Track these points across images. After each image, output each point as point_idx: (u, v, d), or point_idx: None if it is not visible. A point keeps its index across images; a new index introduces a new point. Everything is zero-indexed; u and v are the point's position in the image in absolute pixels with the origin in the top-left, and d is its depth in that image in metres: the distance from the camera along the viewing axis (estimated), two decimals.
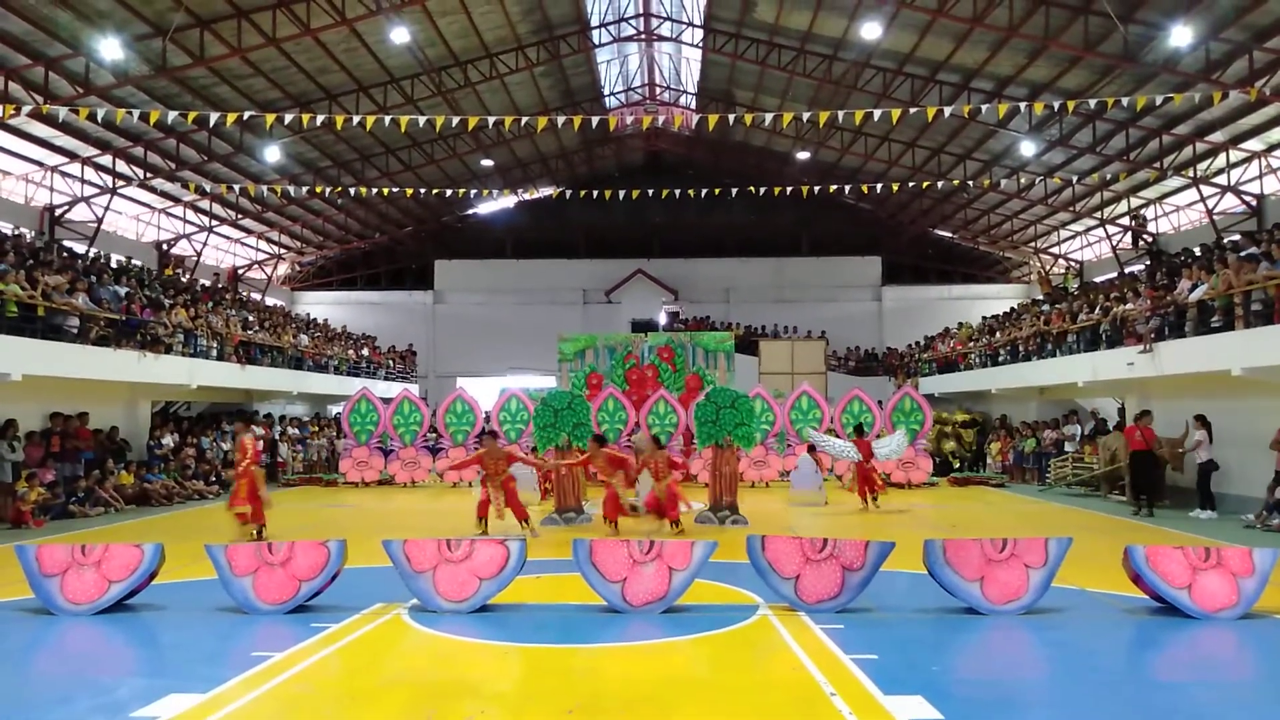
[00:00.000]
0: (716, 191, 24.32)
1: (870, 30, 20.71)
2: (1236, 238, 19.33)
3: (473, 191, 31.19)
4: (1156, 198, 25.50)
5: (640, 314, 34.46)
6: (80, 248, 21.96)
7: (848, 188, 29.58)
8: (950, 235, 34.94)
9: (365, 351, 30.98)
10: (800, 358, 29.33)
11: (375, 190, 27.60)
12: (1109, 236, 27.87)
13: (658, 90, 30.57)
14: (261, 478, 12.11)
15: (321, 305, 35.60)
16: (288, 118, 18.65)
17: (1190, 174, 22.17)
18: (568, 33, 24.56)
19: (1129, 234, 27.04)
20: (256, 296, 30.95)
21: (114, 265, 21.29)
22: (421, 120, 19.79)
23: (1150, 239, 26.01)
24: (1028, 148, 24.25)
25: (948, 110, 19.40)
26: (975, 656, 6.86)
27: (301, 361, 25.16)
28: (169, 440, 19.17)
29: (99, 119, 16.86)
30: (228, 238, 30.65)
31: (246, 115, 18.05)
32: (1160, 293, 17.03)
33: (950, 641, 7.07)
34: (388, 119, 19.49)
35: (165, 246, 27.19)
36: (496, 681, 6.12)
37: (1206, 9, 16.09)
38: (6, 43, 16.51)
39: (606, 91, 30.13)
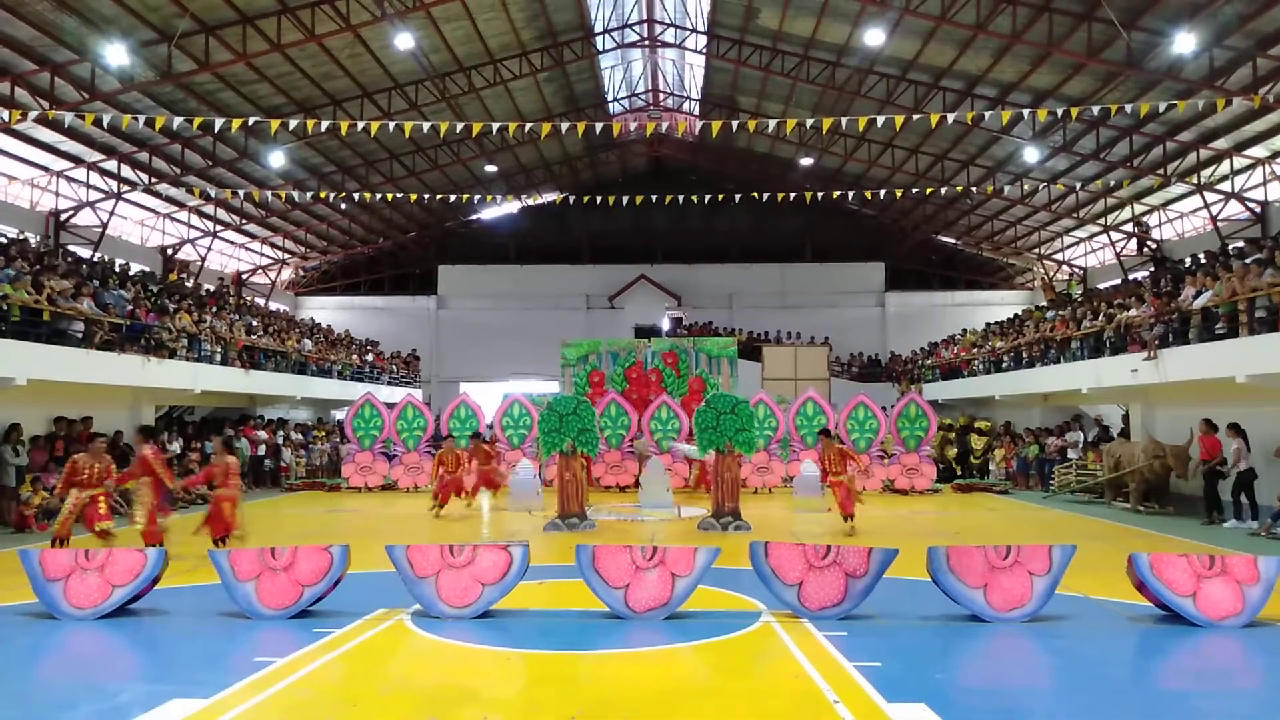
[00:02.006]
0: (720, 197, 24.34)
1: (873, 37, 20.73)
2: (1241, 244, 19.32)
3: (476, 197, 31.23)
4: (1160, 204, 25.47)
5: (643, 319, 34.48)
6: (85, 252, 22.01)
7: (851, 194, 29.69)
8: (954, 241, 34.93)
9: (369, 356, 31.01)
10: (803, 364, 29.28)
11: (379, 195, 27.65)
12: (1113, 243, 27.85)
13: (661, 96, 30.61)
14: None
15: (325, 310, 35.65)
16: (292, 123, 18.73)
17: (1194, 180, 22.15)
18: (571, 39, 24.62)
19: (1133, 240, 27.03)
20: (260, 301, 31.01)
21: (118, 270, 21.34)
22: (425, 126, 19.84)
23: (1154, 245, 26.00)
24: (1031, 154, 24.24)
25: (951, 117, 19.42)
26: (979, 664, 6.84)
27: (305, 366, 25.20)
28: (173, 445, 19.17)
29: (104, 124, 16.88)
30: (232, 243, 30.71)
31: (251, 121, 18.11)
32: (1164, 299, 17.01)
33: (954, 649, 7.06)
34: (392, 125, 19.55)
35: (170, 251, 27.25)
36: (499, 687, 6.11)
37: (1210, 16, 16.09)
38: (12, 48, 16.56)
39: (610, 98, 30.18)
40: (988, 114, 19.99)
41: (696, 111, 30.58)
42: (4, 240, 18.28)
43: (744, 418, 13.96)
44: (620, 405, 21.26)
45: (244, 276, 32.25)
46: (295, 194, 25.78)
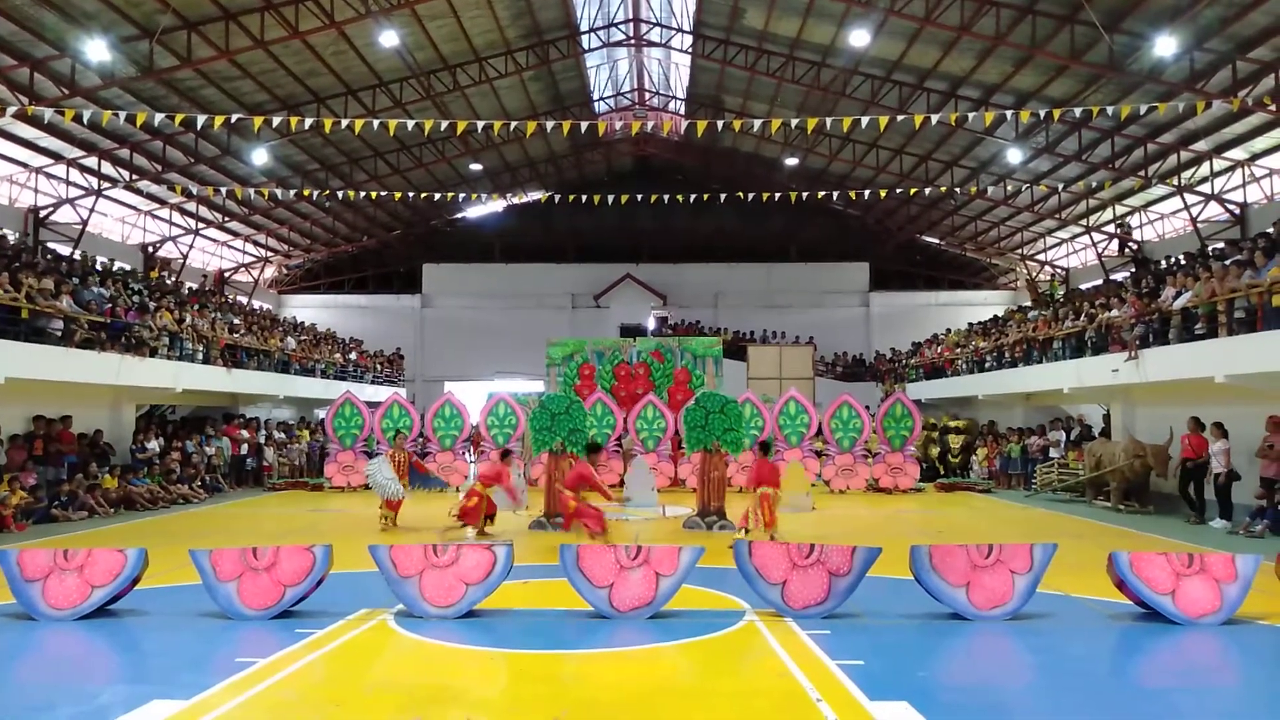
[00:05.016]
0: (705, 197, 24.37)
1: (858, 37, 20.81)
2: (1220, 245, 19.51)
3: (461, 195, 31.15)
4: (1141, 205, 25.71)
5: (629, 319, 34.44)
6: (65, 250, 21.80)
7: (836, 194, 29.79)
8: (937, 241, 35.12)
9: (352, 355, 30.85)
10: (788, 363, 29.35)
11: (363, 194, 27.53)
12: (1094, 244, 28.08)
13: (647, 96, 30.61)
14: None
15: (308, 309, 35.44)
16: (275, 120, 18.58)
17: (1174, 182, 22.37)
18: (557, 38, 24.58)
19: (1114, 241, 27.26)
20: (243, 300, 30.80)
21: (99, 268, 21.15)
22: (410, 124, 19.77)
23: (1135, 246, 26.24)
24: (1014, 155, 24.42)
25: (935, 117, 19.52)
26: (961, 662, 6.88)
27: (288, 365, 25.04)
28: (153, 444, 19.01)
29: (84, 120, 16.73)
30: (214, 240, 30.50)
31: (234, 118, 17.97)
32: (1145, 300, 17.16)
33: (936, 647, 7.09)
34: (376, 122, 19.45)
35: (151, 249, 27.03)
36: (483, 687, 6.10)
37: (1191, 19, 16.25)
38: None
39: (595, 96, 30.16)
40: (971, 115, 20.10)
41: (682, 111, 30.62)
42: None
43: (733, 417, 13.96)
44: (606, 404, 21.24)
45: (227, 274, 32.03)
46: (278, 191, 25.61)
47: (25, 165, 21.35)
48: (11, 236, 20.10)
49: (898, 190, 27.94)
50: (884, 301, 36.41)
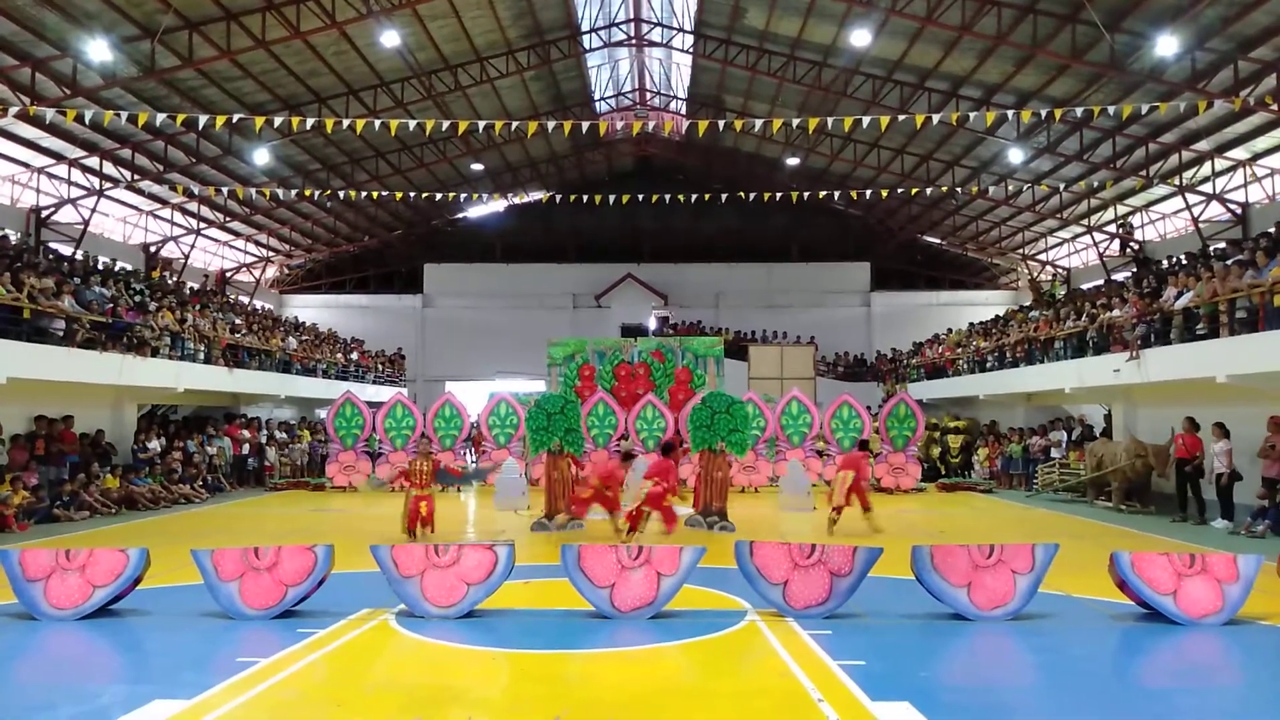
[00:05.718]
0: (706, 197, 24.37)
1: (859, 37, 20.80)
2: (1222, 245, 19.49)
3: (462, 195, 31.13)
4: (1143, 205, 25.69)
5: (630, 319, 34.44)
6: (66, 250, 21.81)
7: (837, 194, 29.74)
8: (939, 241, 35.10)
9: (354, 355, 30.86)
10: (789, 363, 29.32)
11: (364, 194, 27.51)
12: (1096, 244, 28.06)
13: (648, 95, 30.61)
14: None
15: (310, 309, 35.45)
16: (277, 120, 18.60)
17: (1176, 182, 22.35)
18: (558, 37, 24.58)
19: (1116, 241, 27.24)
20: (244, 299, 30.81)
21: (100, 268, 21.15)
22: (411, 124, 19.77)
23: (1137, 246, 26.22)
24: (1015, 155, 24.39)
25: (936, 117, 19.50)
26: (962, 662, 6.87)
27: (290, 365, 25.05)
28: (155, 444, 19.02)
29: (86, 120, 16.74)
30: (216, 240, 30.51)
31: (235, 118, 17.97)
32: (1146, 300, 17.15)
33: (937, 647, 7.09)
34: (377, 122, 19.47)
35: (153, 249, 27.03)
36: (484, 687, 6.10)
37: (1192, 19, 16.23)
38: None
39: (597, 96, 30.16)
40: (972, 115, 20.09)
41: (683, 111, 30.61)
42: None
43: (738, 418, 13.92)
44: (607, 404, 21.24)
45: (228, 274, 32.04)
46: (280, 191, 25.62)
47: (27, 165, 21.36)
48: (13, 236, 20.11)
49: (899, 190, 27.92)
50: (885, 301, 36.39)
